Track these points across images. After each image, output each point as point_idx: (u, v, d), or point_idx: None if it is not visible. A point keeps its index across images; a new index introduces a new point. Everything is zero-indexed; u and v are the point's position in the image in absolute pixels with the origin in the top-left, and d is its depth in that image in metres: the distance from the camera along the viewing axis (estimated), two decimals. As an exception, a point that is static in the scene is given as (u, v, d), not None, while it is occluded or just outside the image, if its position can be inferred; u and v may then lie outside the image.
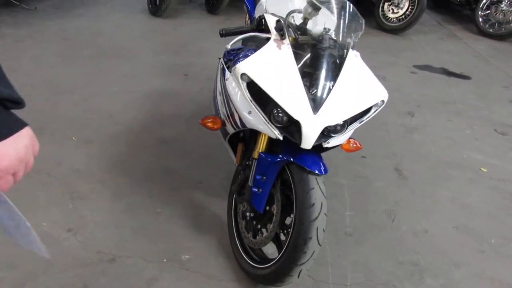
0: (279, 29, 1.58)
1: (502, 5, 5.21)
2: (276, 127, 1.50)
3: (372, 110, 1.56)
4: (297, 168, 1.58)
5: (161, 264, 1.88)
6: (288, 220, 1.70)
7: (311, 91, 1.48)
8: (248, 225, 1.81)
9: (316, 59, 1.53)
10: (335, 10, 1.72)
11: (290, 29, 1.60)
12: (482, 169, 2.76)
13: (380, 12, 5.34)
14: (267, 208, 1.72)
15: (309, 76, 1.52)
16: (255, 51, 1.55)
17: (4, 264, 1.80)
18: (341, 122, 1.49)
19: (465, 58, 4.72)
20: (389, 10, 5.28)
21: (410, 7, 5.09)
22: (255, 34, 1.67)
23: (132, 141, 2.74)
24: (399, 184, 2.55)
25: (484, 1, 5.34)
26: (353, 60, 1.58)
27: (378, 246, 2.09)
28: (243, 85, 1.46)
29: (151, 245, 1.97)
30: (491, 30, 5.35)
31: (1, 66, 0.68)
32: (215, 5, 5.39)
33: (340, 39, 1.66)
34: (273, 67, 1.47)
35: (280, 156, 1.60)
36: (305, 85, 1.48)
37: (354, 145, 1.82)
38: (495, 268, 2.02)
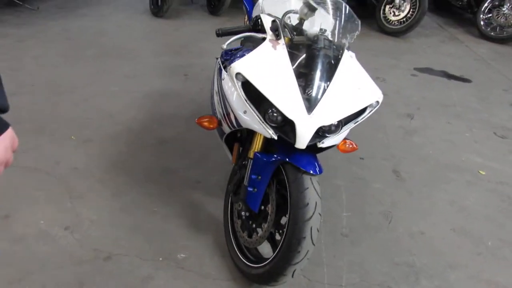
0: (275, 29, 1.59)
1: (503, 9, 5.20)
2: (271, 126, 1.51)
3: (367, 111, 1.56)
4: (292, 168, 1.58)
5: (157, 262, 1.89)
6: (283, 220, 1.70)
7: (306, 91, 1.49)
8: (243, 225, 1.82)
9: (311, 59, 1.54)
10: (330, 11, 1.73)
11: (286, 30, 1.61)
12: (481, 172, 2.76)
13: (382, 15, 5.35)
14: (262, 207, 1.73)
15: (304, 76, 1.52)
16: (251, 51, 1.56)
17: (0, 261, 1.81)
18: (336, 122, 1.50)
19: (466, 61, 4.72)
20: (390, 13, 5.28)
21: (411, 9, 5.10)
22: (251, 34, 1.68)
23: (131, 141, 2.75)
24: (397, 186, 2.55)
25: (486, 4, 5.34)
26: (348, 61, 1.59)
27: (374, 247, 2.09)
28: (238, 84, 1.47)
29: (147, 243, 1.98)
30: (492, 33, 5.35)
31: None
32: (217, 6, 5.41)
33: (336, 40, 1.67)
34: (268, 67, 1.48)
35: (275, 156, 1.61)
36: (300, 85, 1.49)
37: (350, 146, 1.82)
38: (492, 270, 2.02)
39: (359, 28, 1.72)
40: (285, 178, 1.61)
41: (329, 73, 1.53)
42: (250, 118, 1.56)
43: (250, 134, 1.78)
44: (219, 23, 5.23)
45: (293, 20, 1.71)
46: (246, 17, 2.60)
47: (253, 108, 1.50)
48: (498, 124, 3.38)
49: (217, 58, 2.00)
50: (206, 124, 1.87)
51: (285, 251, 1.56)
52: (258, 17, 1.72)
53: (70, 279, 1.77)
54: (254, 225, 1.78)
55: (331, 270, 1.93)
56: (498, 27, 5.33)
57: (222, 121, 1.84)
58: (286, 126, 1.50)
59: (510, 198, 2.53)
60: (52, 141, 2.67)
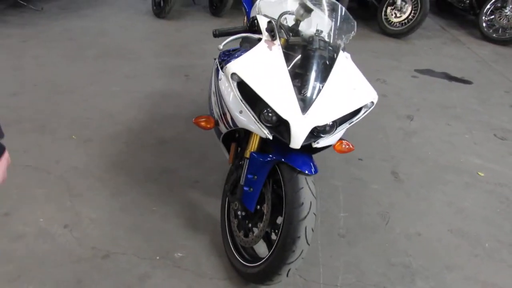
0: (270, 30, 1.60)
1: (506, 10, 5.19)
2: (266, 126, 1.52)
3: (362, 112, 1.57)
4: (287, 168, 1.59)
5: (154, 261, 1.90)
6: (279, 220, 1.71)
7: (301, 91, 1.50)
8: (240, 224, 1.83)
9: (306, 60, 1.55)
10: (326, 12, 1.74)
11: (282, 30, 1.62)
12: (480, 173, 2.76)
13: (383, 16, 5.35)
14: (258, 207, 1.74)
15: (300, 76, 1.54)
16: (247, 52, 1.58)
17: (-1, 258, 1.84)
18: (330, 123, 1.51)
19: (468, 63, 4.72)
20: (392, 15, 5.28)
21: (413, 11, 5.10)
22: (247, 34, 1.69)
23: (131, 141, 2.77)
24: (395, 187, 2.56)
25: (488, 6, 5.32)
26: (344, 62, 1.60)
27: (370, 247, 2.09)
28: (234, 84, 1.49)
29: (145, 242, 2.00)
30: (495, 35, 5.33)
31: None
32: (219, 7, 5.43)
33: (331, 40, 1.68)
34: (263, 67, 1.49)
35: (271, 156, 1.62)
36: (295, 85, 1.50)
37: (347, 147, 1.82)
38: (488, 272, 2.02)
39: (355, 29, 1.73)
40: (281, 178, 1.62)
41: (324, 73, 1.54)
42: (245, 118, 1.58)
43: (247, 134, 1.79)
44: (221, 24, 5.25)
45: (290, 21, 1.73)
46: (245, 18, 2.62)
47: (249, 108, 1.51)
48: (499, 125, 3.38)
49: (215, 59, 2.01)
50: (203, 124, 1.88)
51: (280, 251, 1.58)
52: (255, 18, 1.74)
53: (69, 277, 1.79)
54: (250, 225, 1.79)
55: (327, 270, 1.94)
56: (500, 29, 5.32)
57: (219, 121, 1.86)
58: (281, 126, 1.51)
59: (508, 200, 2.53)
60: (52, 140, 2.70)
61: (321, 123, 1.47)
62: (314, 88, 1.50)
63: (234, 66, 1.47)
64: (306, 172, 1.57)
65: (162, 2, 5.21)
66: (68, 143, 2.69)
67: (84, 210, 2.16)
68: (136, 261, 1.90)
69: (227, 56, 1.89)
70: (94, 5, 5.68)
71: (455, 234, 2.24)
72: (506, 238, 2.24)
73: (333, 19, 1.74)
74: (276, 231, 1.71)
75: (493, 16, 5.36)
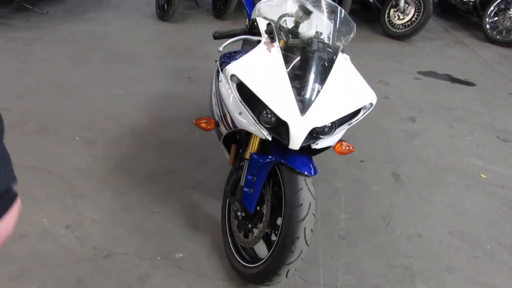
0: (269, 32, 1.61)
1: (510, 12, 5.18)
2: (265, 128, 1.54)
3: (361, 113, 1.58)
4: (287, 169, 1.61)
5: (155, 261, 1.92)
6: (279, 221, 1.72)
7: (300, 93, 1.52)
8: (240, 225, 1.84)
9: (305, 61, 1.56)
10: (325, 15, 1.75)
11: (281, 32, 1.63)
12: (482, 175, 2.75)
13: (386, 18, 5.36)
14: (258, 208, 1.75)
15: (299, 78, 1.55)
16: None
17: (1, 258, 1.86)
18: (329, 124, 1.52)
19: (471, 64, 4.71)
20: (395, 16, 5.29)
21: (416, 13, 5.10)
22: (247, 36, 1.71)
23: (134, 142, 2.79)
24: (396, 189, 2.56)
25: (492, 8, 5.32)
26: (342, 63, 1.61)
27: (370, 249, 2.10)
28: (233, 86, 1.50)
29: (146, 242, 2.01)
30: (498, 37, 5.32)
31: (8, 152, 0.73)
32: (222, 10, 5.46)
33: (331, 42, 1.69)
34: (262, 69, 1.51)
35: (270, 157, 1.64)
36: (294, 87, 1.52)
37: (347, 148, 1.83)
38: (489, 274, 2.02)
39: (354, 31, 1.74)
40: (280, 179, 1.63)
41: (323, 75, 1.55)
42: (245, 120, 1.59)
43: (248, 135, 1.80)
44: (224, 27, 5.28)
45: (289, 23, 1.74)
46: (246, 20, 2.64)
47: (248, 109, 1.53)
48: (501, 127, 3.37)
49: (216, 61, 2.03)
50: (203, 125, 1.90)
51: (279, 251, 1.58)
52: (255, 20, 1.76)
53: (70, 277, 1.81)
54: (250, 225, 1.80)
55: (327, 272, 1.95)
56: (504, 31, 5.31)
57: (219, 122, 1.88)
58: (280, 128, 1.52)
59: (510, 202, 2.52)
60: (56, 142, 2.72)
61: (319, 124, 1.48)
62: (313, 89, 1.52)
63: (233, 67, 1.48)
64: (306, 173, 1.58)
65: (166, 5, 5.24)
66: (71, 144, 2.71)
67: (86, 210, 2.18)
68: (137, 261, 1.91)
69: (227, 58, 1.90)
70: (99, 8, 5.73)
71: (456, 236, 2.23)
72: (507, 240, 2.23)
73: (333, 21, 1.75)
74: (276, 232, 1.72)
75: (496, 18, 5.35)
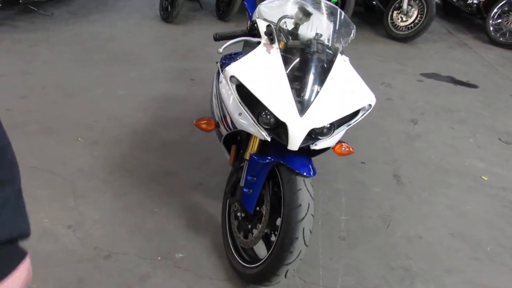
0: (269, 33, 1.63)
1: (513, 14, 5.17)
2: (265, 128, 1.55)
3: (360, 114, 1.59)
4: (285, 170, 1.61)
5: (155, 261, 1.93)
6: (279, 222, 1.73)
7: (299, 94, 1.52)
8: (240, 226, 1.85)
9: (304, 63, 1.57)
10: (325, 16, 1.76)
11: (281, 34, 1.64)
12: (483, 177, 2.75)
13: (389, 20, 5.36)
14: (258, 208, 1.76)
15: (298, 79, 1.56)
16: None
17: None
18: (328, 125, 1.53)
19: (474, 67, 4.70)
20: (398, 19, 5.29)
21: (419, 15, 5.10)
22: (247, 38, 1.72)
23: (136, 143, 2.81)
24: (397, 190, 2.56)
25: (495, 10, 5.31)
26: (342, 65, 1.62)
27: (370, 250, 2.10)
28: (233, 87, 1.51)
29: (147, 243, 2.03)
30: (502, 39, 5.31)
31: (22, 194, 0.65)
32: (226, 12, 5.48)
33: (330, 44, 1.70)
34: (261, 70, 1.52)
35: (270, 158, 1.64)
36: (294, 88, 1.53)
37: (347, 149, 1.84)
38: (489, 276, 2.02)
39: (354, 33, 1.75)
40: (279, 180, 1.64)
41: (322, 76, 1.56)
42: (245, 121, 1.60)
43: (248, 136, 1.81)
44: (227, 29, 5.28)
45: (289, 25, 1.75)
46: (248, 22, 2.65)
47: (247, 110, 1.54)
48: (503, 129, 3.36)
49: (217, 62, 2.04)
50: (204, 126, 1.91)
51: (278, 251, 1.59)
52: (255, 22, 1.77)
53: (71, 276, 1.82)
54: (249, 226, 1.81)
55: (327, 273, 1.95)
56: (507, 33, 5.30)
57: (219, 123, 1.89)
58: (279, 128, 1.53)
59: (511, 204, 2.52)
60: (59, 142, 2.74)
61: (318, 125, 1.49)
62: (312, 90, 1.53)
63: (233, 69, 1.50)
64: (305, 174, 1.59)
65: (169, 7, 5.27)
66: (74, 145, 2.73)
67: (88, 211, 2.19)
68: (137, 261, 1.92)
69: (228, 59, 1.92)
70: (103, 10, 5.77)
71: (457, 237, 2.23)
72: (508, 242, 2.23)
73: (332, 23, 1.76)
74: (276, 232, 1.73)
75: (500, 20, 5.34)
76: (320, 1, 1.79)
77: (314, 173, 1.62)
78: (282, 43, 1.63)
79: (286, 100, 1.47)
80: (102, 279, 1.82)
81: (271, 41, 1.61)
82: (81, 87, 3.50)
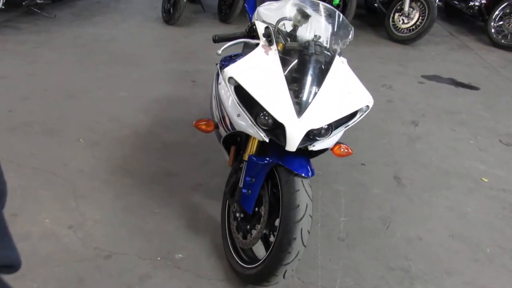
0: (267, 35, 1.64)
1: (515, 16, 5.17)
2: (263, 129, 1.56)
3: (357, 115, 1.59)
4: (284, 171, 1.62)
5: (155, 261, 1.94)
6: (278, 222, 1.73)
7: (297, 95, 1.54)
8: (239, 226, 1.86)
9: (302, 64, 1.58)
10: (324, 18, 1.77)
11: (280, 36, 1.66)
12: (483, 179, 2.75)
13: (391, 23, 5.37)
14: (257, 209, 1.77)
15: (296, 81, 1.57)
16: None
17: (4, 256, 1.89)
18: (325, 126, 1.53)
19: (475, 68, 4.70)
20: (399, 21, 5.30)
21: (420, 17, 5.10)
22: (245, 40, 1.73)
23: (137, 144, 2.82)
24: (397, 192, 2.56)
25: (497, 12, 5.31)
26: (339, 66, 1.63)
27: (370, 251, 2.10)
28: (231, 88, 1.52)
29: (147, 243, 2.04)
30: (503, 41, 5.31)
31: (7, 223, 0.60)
32: (227, 14, 5.50)
33: (328, 45, 1.71)
34: (259, 71, 1.53)
35: (268, 158, 1.65)
36: (292, 89, 1.54)
37: (345, 151, 1.84)
38: (488, 277, 2.01)
39: (352, 35, 1.76)
40: (278, 180, 1.65)
41: (320, 78, 1.57)
42: (243, 122, 1.61)
43: (247, 137, 1.82)
44: (229, 31, 5.30)
45: (288, 27, 1.76)
46: (248, 24, 2.67)
47: (246, 111, 1.55)
48: (504, 131, 3.36)
49: (216, 64, 2.06)
50: (203, 127, 1.93)
51: (276, 252, 1.60)
52: (254, 24, 1.78)
53: (71, 276, 1.83)
54: (248, 227, 1.82)
55: (325, 273, 1.96)
56: (509, 35, 5.30)
57: (219, 124, 1.90)
58: (277, 129, 1.54)
59: (511, 205, 2.52)
60: (60, 143, 2.76)
61: (316, 126, 1.50)
62: (309, 92, 1.54)
63: (231, 70, 1.51)
64: (303, 174, 1.60)
65: (171, 9, 5.30)
66: (75, 146, 2.75)
67: (89, 211, 2.21)
68: (138, 261, 1.93)
69: (227, 61, 1.93)
70: (105, 12, 5.80)
71: (457, 239, 2.23)
72: (508, 243, 2.22)
73: (331, 25, 1.77)
74: (274, 233, 1.73)
75: (502, 22, 5.33)
76: (319, 3, 1.80)
77: (312, 174, 1.63)
78: (280, 44, 1.64)
79: (284, 101, 1.49)
80: (102, 279, 1.83)
81: (270, 42, 1.62)
82: (83, 89, 3.52)
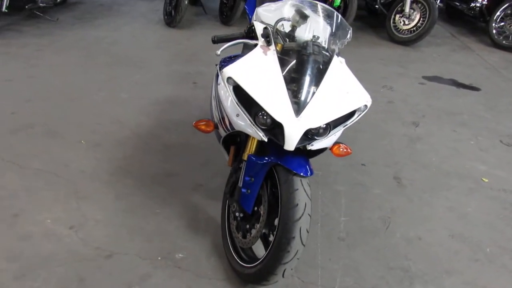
0: (266, 36, 1.65)
1: (516, 17, 5.17)
2: (261, 129, 1.57)
3: (356, 115, 1.60)
4: (283, 170, 1.63)
5: (155, 261, 1.95)
6: (277, 222, 1.74)
7: (295, 95, 1.55)
8: (238, 226, 1.87)
9: (300, 64, 1.60)
10: (322, 19, 1.79)
11: (278, 36, 1.67)
12: (484, 179, 2.75)
13: (392, 24, 5.38)
14: (256, 208, 1.78)
15: (294, 81, 1.58)
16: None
17: (6, 256, 1.91)
18: (324, 125, 1.54)
19: (477, 69, 4.70)
20: (400, 22, 5.30)
21: (421, 19, 5.11)
22: (244, 40, 1.75)
23: (138, 146, 2.84)
24: (397, 192, 2.57)
25: (498, 13, 5.31)
26: (337, 66, 1.64)
27: (370, 251, 2.11)
28: (230, 88, 1.54)
29: (148, 243, 2.05)
30: (505, 42, 5.31)
31: None
32: (229, 16, 5.53)
33: (326, 46, 1.72)
34: (258, 71, 1.54)
35: (267, 158, 1.67)
36: (290, 89, 1.55)
37: (345, 150, 1.84)
38: (488, 277, 2.01)
39: (350, 35, 1.78)
40: (277, 180, 1.66)
41: (318, 77, 1.58)
42: (242, 121, 1.63)
43: (247, 137, 1.83)
44: (230, 32, 5.33)
45: (287, 27, 1.78)
46: (247, 25, 2.68)
47: (244, 111, 1.56)
48: (505, 132, 3.36)
49: (216, 65, 2.07)
50: (203, 127, 1.94)
51: (275, 251, 1.61)
52: (252, 25, 1.80)
53: (72, 275, 1.84)
54: (248, 226, 1.83)
55: (325, 273, 1.96)
56: (510, 36, 5.29)
57: (218, 124, 1.91)
58: (275, 129, 1.55)
59: (512, 206, 2.51)
60: (62, 144, 2.78)
61: (314, 125, 1.51)
62: (308, 91, 1.55)
63: (230, 70, 1.52)
64: (301, 174, 1.60)
65: (173, 12, 5.33)
66: (77, 147, 2.77)
67: (90, 211, 2.22)
68: (138, 261, 1.95)
69: (227, 62, 1.94)
70: (108, 15, 5.84)
71: (457, 239, 2.23)
72: (508, 244, 2.22)
73: (329, 25, 1.78)
74: (274, 232, 1.74)
75: (503, 23, 5.34)
76: (317, 4, 1.81)
77: (311, 174, 1.64)
78: (279, 45, 1.66)
79: (282, 100, 1.50)
80: (103, 278, 1.84)
81: (268, 43, 1.64)
82: (84, 91, 3.55)
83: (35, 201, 2.26)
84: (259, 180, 1.70)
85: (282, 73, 1.56)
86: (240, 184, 1.75)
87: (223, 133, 1.89)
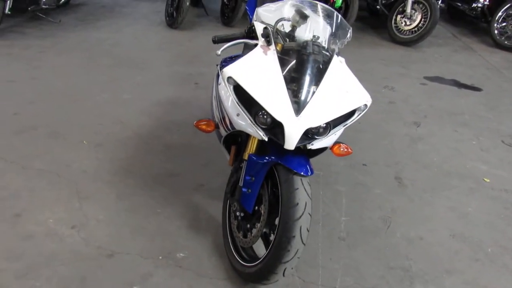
0: (266, 35, 1.66)
1: (518, 18, 5.17)
2: (262, 128, 1.58)
3: (355, 114, 1.61)
4: (283, 169, 1.64)
5: (157, 261, 1.96)
6: (277, 221, 1.75)
7: (295, 94, 1.55)
8: (239, 225, 1.88)
9: (300, 64, 1.60)
10: (322, 19, 1.79)
11: (278, 36, 1.68)
12: (485, 179, 2.75)
13: (393, 24, 5.38)
14: (256, 208, 1.78)
15: (294, 80, 1.59)
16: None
17: (8, 256, 1.92)
18: (324, 125, 1.55)
19: (478, 70, 4.69)
20: (402, 23, 5.31)
21: (422, 19, 5.11)
22: (245, 40, 1.76)
23: (140, 146, 2.85)
24: (398, 192, 2.57)
25: (500, 13, 5.31)
26: (337, 66, 1.65)
27: (370, 251, 2.11)
28: (230, 88, 1.55)
29: (149, 243, 2.06)
30: (507, 42, 5.31)
31: None
32: (230, 17, 5.54)
33: (326, 45, 1.73)
34: (258, 71, 1.55)
35: (267, 157, 1.67)
36: (290, 89, 1.56)
37: (345, 150, 1.85)
38: (489, 277, 2.01)
39: (350, 35, 1.78)
40: (277, 179, 1.66)
41: (318, 77, 1.59)
42: (242, 121, 1.64)
43: (247, 137, 1.84)
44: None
45: (287, 27, 1.79)
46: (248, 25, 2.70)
47: (245, 110, 1.57)
48: (507, 132, 3.36)
49: (217, 65, 2.08)
50: (203, 127, 1.95)
51: (276, 250, 1.61)
52: (253, 25, 1.81)
53: (74, 275, 1.85)
54: (248, 225, 1.83)
55: (326, 272, 1.97)
56: (512, 36, 5.29)
57: (219, 124, 1.92)
58: (276, 128, 1.56)
59: (514, 206, 2.51)
60: (65, 145, 2.80)
61: (314, 124, 1.51)
62: (308, 91, 1.56)
63: (230, 70, 1.53)
64: (302, 173, 1.61)
65: (175, 13, 5.35)
66: (79, 148, 2.78)
67: (92, 211, 2.23)
68: (139, 260, 1.96)
69: (227, 62, 1.95)
70: (110, 17, 5.86)
71: (457, 239, 2.23)
72: (509, 243, 2.22)
73: (329, 25, 1.79)
74: (274, 231, 1.75)
75: (505, 24, 5.33)
76: (317, 4, 1.82)
77: (312, 173, 1.65)
78: (279, 45, 1.67)
79: (282, 100, 1.51)
80: (105, 277, 1.85)
81: (268, 43, 1.65)
82: (87, 92, 3.56)
83: (37, 201, 2.28)
84: (259, 179, 1.71)
85: (282, 72, 1.57)
86: (241, 183, 1.76)
87: (223, 133, 1.90)
